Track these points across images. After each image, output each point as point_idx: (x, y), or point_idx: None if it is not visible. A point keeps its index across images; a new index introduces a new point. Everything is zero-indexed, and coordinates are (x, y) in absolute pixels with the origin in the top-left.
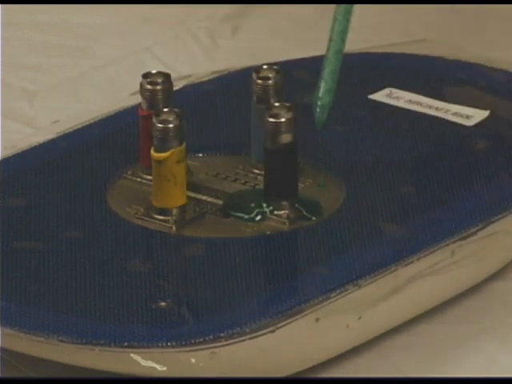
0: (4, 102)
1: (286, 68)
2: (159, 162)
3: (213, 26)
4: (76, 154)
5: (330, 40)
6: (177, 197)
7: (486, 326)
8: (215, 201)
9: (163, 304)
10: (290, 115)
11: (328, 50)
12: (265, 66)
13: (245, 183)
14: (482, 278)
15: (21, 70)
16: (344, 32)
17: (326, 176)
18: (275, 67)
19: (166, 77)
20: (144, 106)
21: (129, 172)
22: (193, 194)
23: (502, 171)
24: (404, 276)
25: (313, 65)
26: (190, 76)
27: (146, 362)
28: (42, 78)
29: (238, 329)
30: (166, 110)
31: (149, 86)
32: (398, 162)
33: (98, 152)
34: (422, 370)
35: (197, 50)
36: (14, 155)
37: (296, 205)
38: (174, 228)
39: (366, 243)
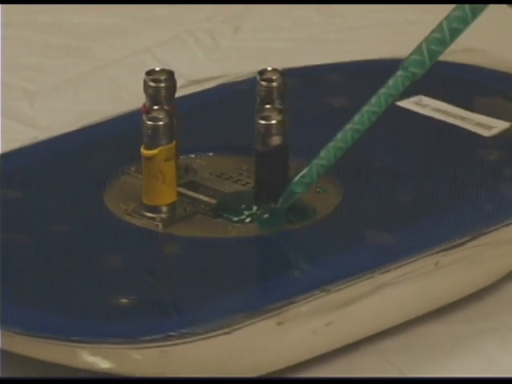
0: (4, 102)
1: (315, 72)
2: (148, 159)
3: (213, 26)
4: (78, 151)
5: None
6: (165, 194)
7: (486, 326)
8: (211, 200)
9: (124, 301)
10: (280, 117)
11: (333, 140)
12: (269, 68)
13: (245, 184)
14: (472, 290)
15: (21, 70)
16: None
17: (329, 181)
18: (279, 69)
19: (170, 74)
20: (147, 103)
21: (132, 169)
22: (190, 193)
23: (505, 183)
24: (379, 284)
25: (345, 69)
26: (223, 76)
27: (92, 358)
28: (42, 78)
29: (190, 329)
30: (156, 107)
31: (152, 84)
32: (402, 169)
33: (102, 149)
34: (422, 369)
35: (197, 51)
36: (14, 150)
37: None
38: (160, 226)
39: (344, 249)
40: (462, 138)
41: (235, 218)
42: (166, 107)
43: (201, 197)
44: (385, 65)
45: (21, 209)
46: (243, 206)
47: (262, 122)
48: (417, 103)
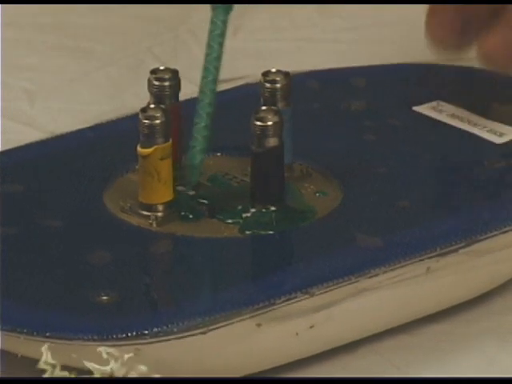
0: (4, 103)
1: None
2: (143, 157)
3: None
4: (82, 148)
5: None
6: (161, 193)
7: (486, 326)
8: (209, 200)
9: (105, 298)
10: (276, 119)
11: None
12: (273, 69)
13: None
14: (466, 298)
15: (21, 70)
16: (217, 59)
17: (332, 185)
18: (284, 71)
19: (174, 73)
20: (151, 101)
21: (136, 167)
22: (191, 192)
23: (507, 191)
24: (364, 288)
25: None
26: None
27: (65, 354)
28: (42, 78)
29: (165, 327)
30: (152, 106)
31: (156, 82)
32: (406, 174)
33: (107, 147)
34: (422, 369)
35: (198, 51)
36: (15, 147)
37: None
38: (154, 224)
39: (332, 252)
40: (471, 145)
41: (230, 220)
42: (162, 106)
43: (200, 196)
44: (407, 69)
45: (18, 203)
46: (239, 208)
47: (258, 123)
48: (433, 108)
